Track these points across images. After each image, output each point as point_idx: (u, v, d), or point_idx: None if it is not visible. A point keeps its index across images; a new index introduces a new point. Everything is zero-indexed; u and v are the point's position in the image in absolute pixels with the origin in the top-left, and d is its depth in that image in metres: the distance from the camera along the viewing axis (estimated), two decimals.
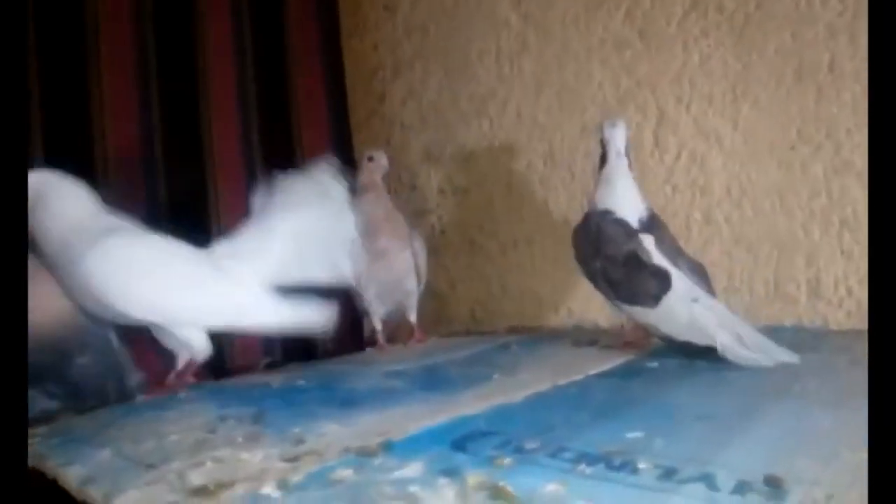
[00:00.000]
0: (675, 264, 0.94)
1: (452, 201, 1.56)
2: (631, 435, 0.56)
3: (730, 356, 0.82)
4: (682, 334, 0.88)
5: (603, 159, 1.03)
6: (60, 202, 0.76)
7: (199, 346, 0.82)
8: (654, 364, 0.89)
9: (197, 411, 0.73)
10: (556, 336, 1.22)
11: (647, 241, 0.99)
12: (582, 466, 0.49)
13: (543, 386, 0.78)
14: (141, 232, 0.82)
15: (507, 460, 0.51)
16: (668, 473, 0.47)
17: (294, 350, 1.43)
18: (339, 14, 1.70)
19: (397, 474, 0.50)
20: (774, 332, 0.91)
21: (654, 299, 0.90)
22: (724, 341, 0.82)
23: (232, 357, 1.30)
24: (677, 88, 1.21)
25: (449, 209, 1.57)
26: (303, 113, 1.60)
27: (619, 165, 1.02)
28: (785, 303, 1.11)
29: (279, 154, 1.49)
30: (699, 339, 0.85)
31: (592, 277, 1.04)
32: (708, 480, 0.45)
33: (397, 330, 1.41)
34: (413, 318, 1.28)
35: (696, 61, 1.19)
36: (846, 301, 1.06)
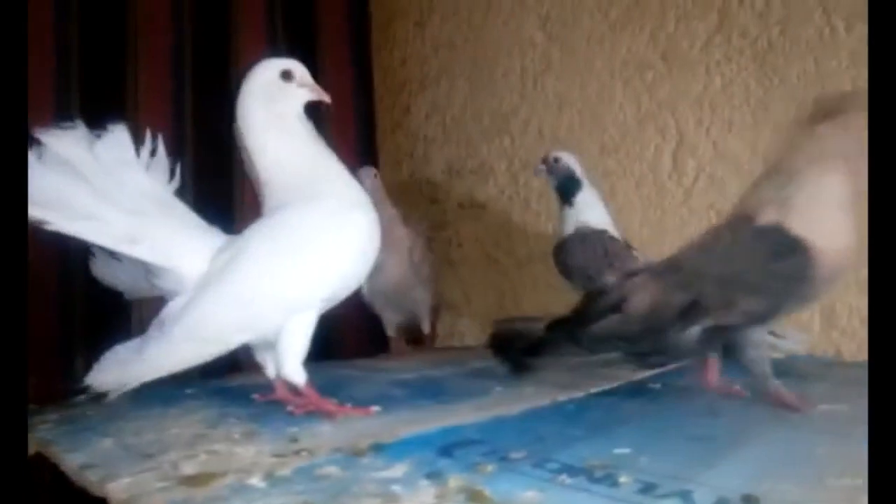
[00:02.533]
0: None
1: (471, 215, 1.57)
2: (618, 451, 0.56)
3: None
4: None
5: (568, 188, 1.13)
6: None
7: None
8: (657, 385, 0.89)
9: (200, 408, 0.75)
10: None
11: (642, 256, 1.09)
12: (563, 477, 0.50)
13: (542, 401, 0.79)
14: None
15: (490, 467, 0.52)
16: (648, 488, 0.47)
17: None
18: (371, 28, 1.74)
19: (382, 474, 0.51)
20: (787, 361, 0.91)
21: None
22: None
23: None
24: (698, 111, 1.22)
25: (467, 223, 1.58)
26: (331, 122, 1.64)
27: (593, 190, 1.12)
28: (798, 332, 1.10)
29: None
30: None
31: None
32: (685, 496, 0.46)
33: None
34: (425, 327, 1.30)
35: (718, 85, 1.19)
36: (859, 331, 1.05)
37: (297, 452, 0.56)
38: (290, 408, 0.74)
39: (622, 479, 0.49)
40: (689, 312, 0.73)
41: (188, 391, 0.86)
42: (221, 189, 1.40)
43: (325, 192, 0.73)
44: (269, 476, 0.50)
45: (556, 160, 1.15)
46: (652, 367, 0.87)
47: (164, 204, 0.69)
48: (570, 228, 1.12)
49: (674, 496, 0.46)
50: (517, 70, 1.49)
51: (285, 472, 0.51)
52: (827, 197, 0.71)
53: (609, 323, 0.78)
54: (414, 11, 1.69)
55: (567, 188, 1.14)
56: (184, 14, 1.42)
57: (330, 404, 0.73)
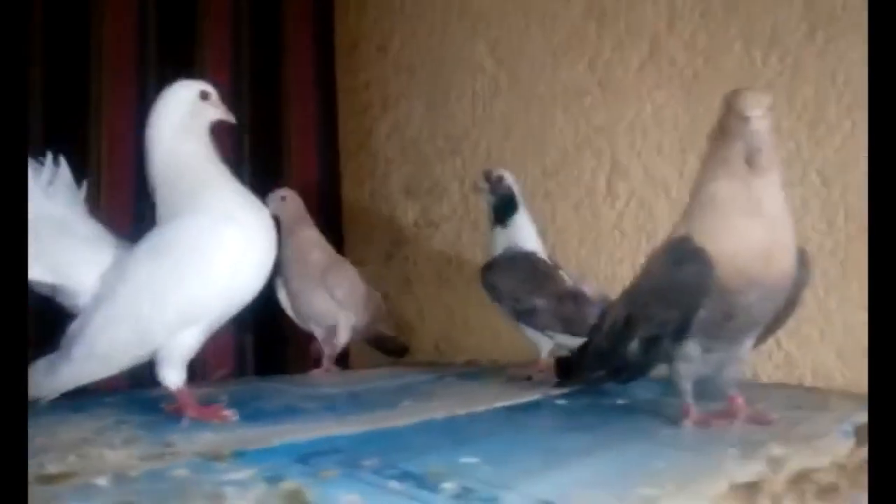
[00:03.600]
0: None
1: (425, 234, 1.61)
2: (466, 460, 0.59)
3: None
4: None
5: (506, 208, 1.15)
6: None
7: None
8: (563, 402, 0.92)
9: (102, 416, 0.78)
10: (500, 370, 1.25)
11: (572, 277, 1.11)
12: (392, 483, 0.53)
13: (439, 415, 0.82)
14: None
15: (333, 473, 0.56)
16: (463, 493, 0.51)
17: (262, 363, 1.50)
18: (336, 51, 1.79)
19: (225, 476, 0.54)
20: (701, 383, 0.93)
21: None
22: None
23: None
24: (630, 137, 1.25)
25: (422, 242, 1.62)
26: (293, 142, 1.69)
27: (526, 211, 1.15)
28: None
29: (267, 180, 1.56)
30: None
31: (528, 313, 1.10)
32: (491, 501, 0.49)
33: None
34: (336, 346, 1.26)
35: (649, 111, 1.23)
36: (775, 354, 1.07)
37: (161, 456, 0.60)
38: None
39: (446, 485, 0.52)
40: (626, 326, 0.78)
41: (107, 399, 0.90)
42: None
43: (206, 205, 0.76)
44: (119, 477, 0.54)
45: (500, 179, 1.16)
46: (625, 382, 0.89)
47: (61, 224, 0.74)
48: (499, 249, 1.15)
49: (481, 500, 0.49)
50: (469, 94, 1.53)
51: (135, 473, 0.55)
52: (719, 203, 0.71)
53: (592, 341, 0.84)
54: (377, 35, 1.74)
55: (505, 208, 1.15)
56: (148, 35, 1.47)
57: (193, 409, 0.78)
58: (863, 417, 0.83)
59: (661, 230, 1.22)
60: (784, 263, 0.72)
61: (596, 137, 1.30)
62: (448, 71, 1.58)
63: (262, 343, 1.52)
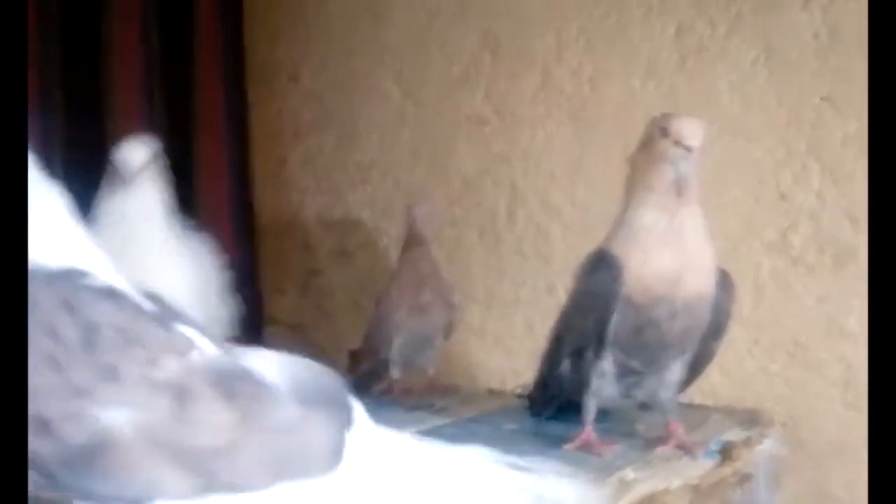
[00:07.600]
0: None
1: (340, 263, 1.62)
2: None
3: None
4: None
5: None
6: None
7: None
8: (453, 430, 0.93)
9: None
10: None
11: None
12: None
13: None
14: None
15: None
16: None
17: None
18: (247, 80, 1.79)
19: None
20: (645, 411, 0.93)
21: None
22: None
23: None
24: (525, 164, 1.29)
25: (338, 271, 1.62)
26: (204, 171, 1.67)
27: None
28: None
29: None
30: None
31: None
32: None
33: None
34: (431, 371, 1.24)
35: (542, 140, 1.27)
36: None
37: None
38: None
39: None
40: (556, 344, 0.82)
41: None
42: None
43: None
44: None
45: None
46: (567, 407, 0.89)
47: None
48: None
49: None
50: (376, 123, 1.55)
51: None
52: (638, 230, 0.73)
53: (538, 372, 0.86)
54: (288, 65, 1.75)
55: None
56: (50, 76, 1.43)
57: None
58: (735, 434, 0.87)
59: (557, 254, 1.25)
60: (696, 286, 0.74)
61: (496, 165, 1.33)
62: (357, 100, 1.59)
63: None
